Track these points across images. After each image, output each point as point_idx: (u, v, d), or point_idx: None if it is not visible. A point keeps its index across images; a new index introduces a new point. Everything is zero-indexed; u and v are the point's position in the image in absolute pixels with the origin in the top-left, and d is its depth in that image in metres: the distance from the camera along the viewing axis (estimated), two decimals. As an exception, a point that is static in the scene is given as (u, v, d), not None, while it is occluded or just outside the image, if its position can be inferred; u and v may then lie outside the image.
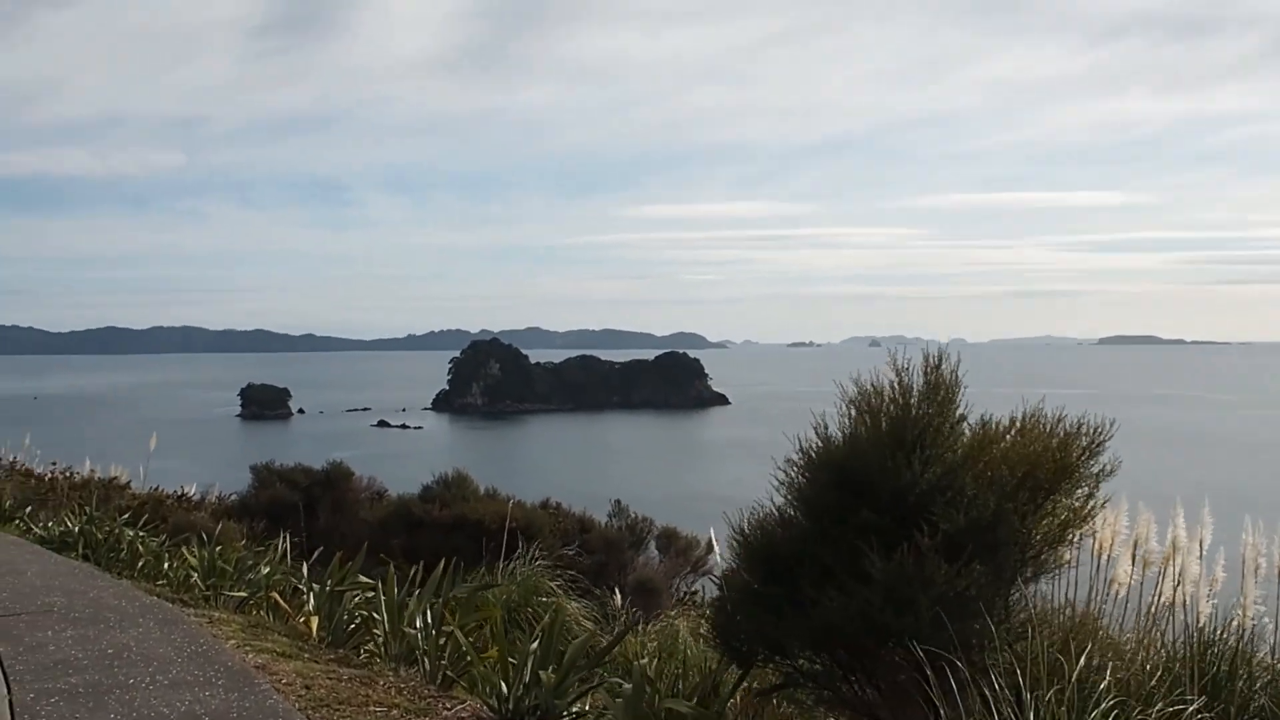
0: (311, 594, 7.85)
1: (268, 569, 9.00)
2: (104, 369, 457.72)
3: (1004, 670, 5.43)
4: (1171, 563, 6.85)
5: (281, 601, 7.95)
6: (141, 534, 11.03)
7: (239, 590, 8.52)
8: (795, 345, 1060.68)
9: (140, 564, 9.82)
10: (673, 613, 13.30)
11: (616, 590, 15.50)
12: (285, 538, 17.41)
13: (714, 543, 14.82)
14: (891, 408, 6.18)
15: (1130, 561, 6.98)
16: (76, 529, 11.22)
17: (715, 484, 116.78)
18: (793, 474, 6.47)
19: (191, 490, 22.85)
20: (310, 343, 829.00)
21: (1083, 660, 5.41)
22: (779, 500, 6.49)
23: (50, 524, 12.68)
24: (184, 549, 9.58)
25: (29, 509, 15.12)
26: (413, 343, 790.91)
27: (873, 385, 6.40)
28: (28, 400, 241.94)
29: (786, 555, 6.06)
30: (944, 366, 6.31)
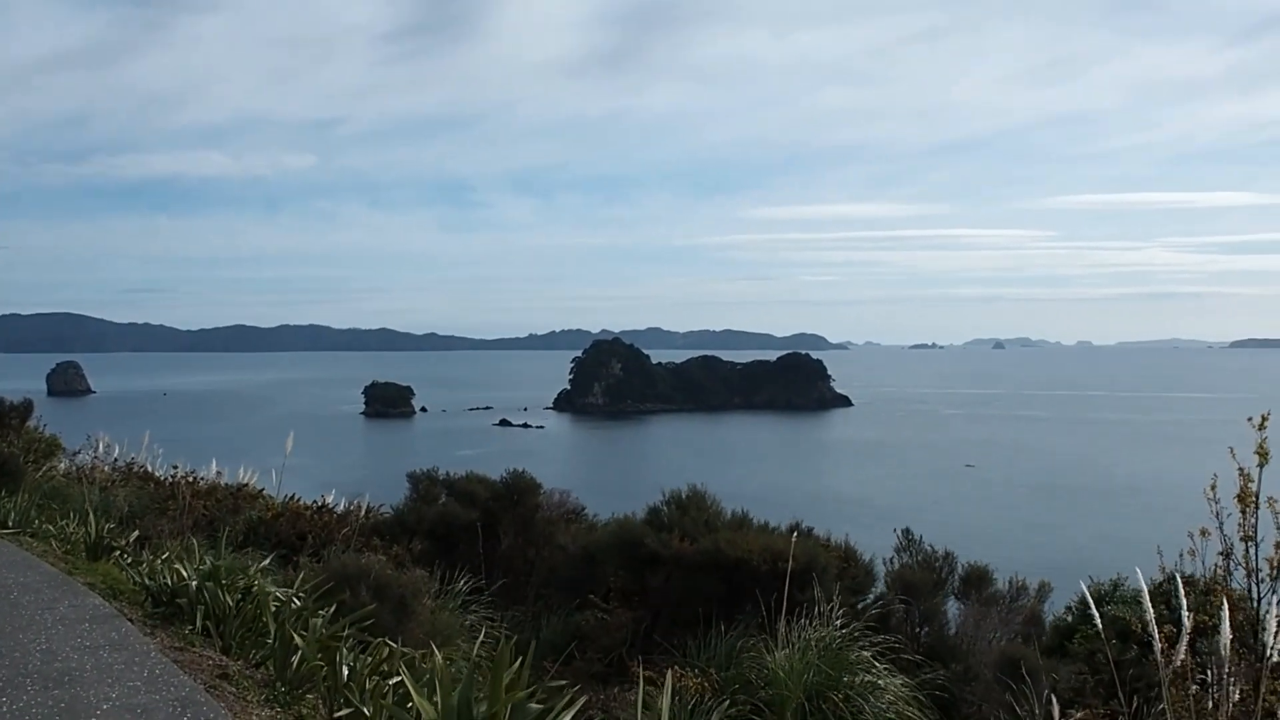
0: None
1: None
2: (233, 367, 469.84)
3: None
4: None
5: None
6: (295, 597, 6.76)
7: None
8: (917, 347, 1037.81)
9: (297, 663, 5.54)
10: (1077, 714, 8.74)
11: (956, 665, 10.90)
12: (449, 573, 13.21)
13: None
14: None
15: None
16: (194, 583, 7.05)
17: (850, 485, 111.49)
18: None
19: (330, 498, 18.90)
20: (433, 342, 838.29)
21: None
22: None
23: (160, 563, 8.63)
24: (400, 669, 5.13)
25: (135, 535, 11.15)
26: (534, 342, 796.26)
27: None
28: (157, 396, 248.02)
29: None
30: None
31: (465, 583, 11.67)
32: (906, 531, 13.34)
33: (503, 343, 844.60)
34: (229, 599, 6.69)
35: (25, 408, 24.01)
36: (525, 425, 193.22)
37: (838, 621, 9.64)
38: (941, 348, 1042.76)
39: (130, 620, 6.56)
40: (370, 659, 5.39)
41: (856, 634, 9.64)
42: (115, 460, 21.44)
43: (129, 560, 9.87)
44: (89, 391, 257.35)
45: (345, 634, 5.73)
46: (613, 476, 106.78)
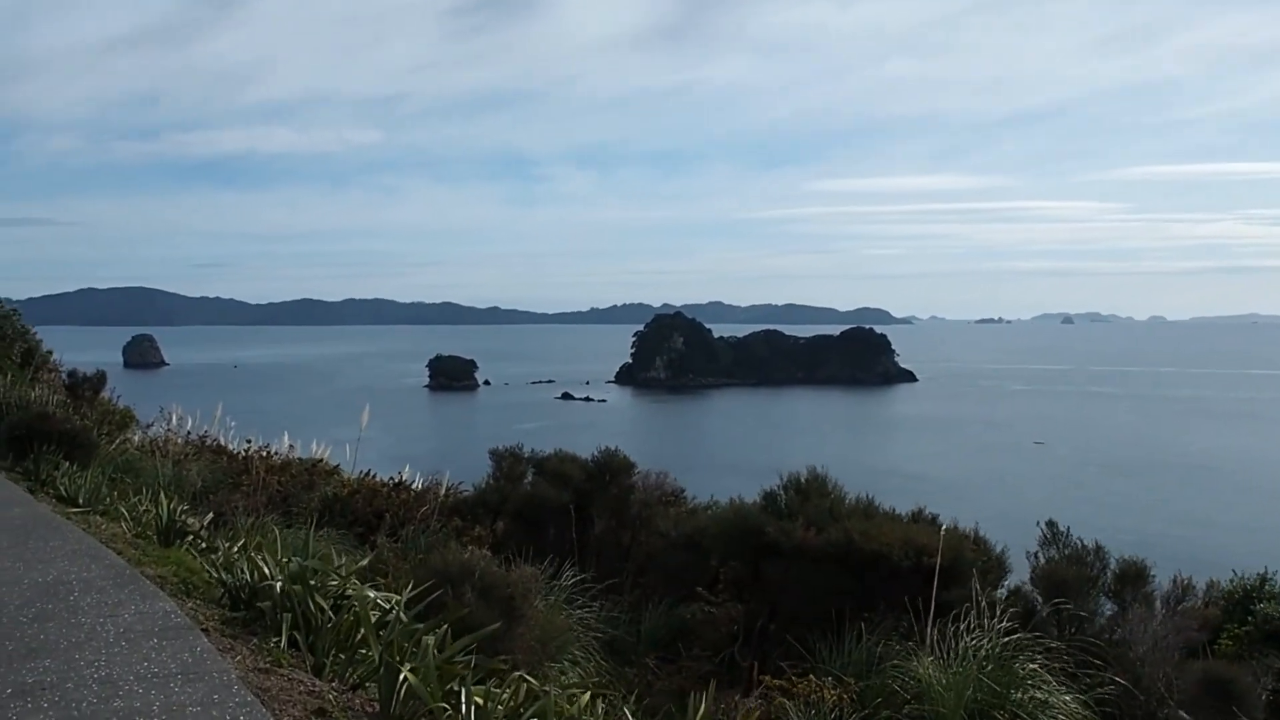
0: None
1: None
2: (300, 340, 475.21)
3: None
4: None
5: None
6: (402, 610, 5.69)
7: None
8: (983, 321, 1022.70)
9: (405, 695, 4.48)
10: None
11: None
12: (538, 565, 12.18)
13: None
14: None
15: None
16: (279, 585, 6.04)
17: (916, 461, 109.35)
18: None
19: (404, 474, 17.97)
20: (495, 316, 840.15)
21: None
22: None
23: (236, 551, 7.70)
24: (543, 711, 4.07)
25: (209, 517, 10.23)
26: (596, 316, 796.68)
27: None
28: (228, 369, 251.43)
29: None
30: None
31: (568, 576, 10.59)
32: (1051, 523, 12.01)
33: (564, 316, 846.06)
34: (322, 602, 5.66)
35: (99, 379, 23.44)
36: (587, 399, 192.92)
37: (1000, 626, 8.41)
38: (1008, 322, 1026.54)
39: (205, 631, 5.54)
40: (507, 695, 4.32)
41: (1025, 643, 8.40)
42: (188, 433, 20.78)
43: (203, 546, 8.97)
44: (163, 364, 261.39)
45: (469, 659, 4.66)
46: (678, 450, 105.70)
